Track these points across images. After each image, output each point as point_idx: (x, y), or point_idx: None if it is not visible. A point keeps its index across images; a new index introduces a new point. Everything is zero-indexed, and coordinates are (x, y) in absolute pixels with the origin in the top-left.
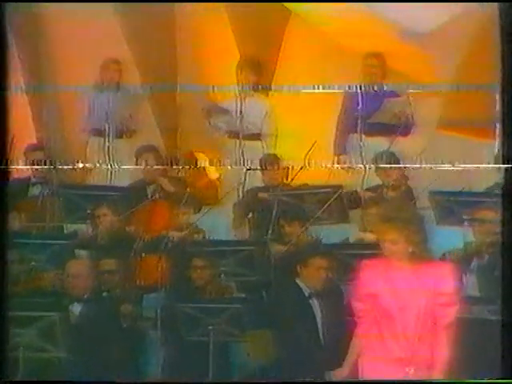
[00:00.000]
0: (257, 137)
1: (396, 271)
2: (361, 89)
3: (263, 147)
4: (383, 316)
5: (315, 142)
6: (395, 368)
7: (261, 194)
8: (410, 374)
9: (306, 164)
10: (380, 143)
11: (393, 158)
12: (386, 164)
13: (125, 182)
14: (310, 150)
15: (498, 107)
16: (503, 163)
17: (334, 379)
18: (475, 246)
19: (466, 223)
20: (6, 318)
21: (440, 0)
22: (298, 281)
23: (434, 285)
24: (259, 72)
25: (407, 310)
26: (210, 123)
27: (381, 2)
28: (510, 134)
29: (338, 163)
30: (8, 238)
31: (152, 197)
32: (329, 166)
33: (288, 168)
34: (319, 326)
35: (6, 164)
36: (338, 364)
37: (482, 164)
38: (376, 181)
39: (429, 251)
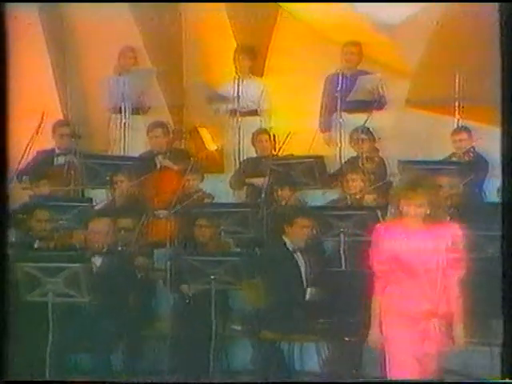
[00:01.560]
0: (255, 113)
1: (412, 232)
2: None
3: (261, 121)
4: (403, 273)
5: (290, 132)
6: (418, 321)
7: (254, 164)
8: (433, 325)
9: (289, 138)
10: (357, 119)
11: (368, 132)
12: (360, 137)
13: (138, 152)
14: (287, 136)
15: (456, 88)
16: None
17: (368, 342)
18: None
19: None
20: (5, 318)
21: (440, 0)
22: (284, 237)
23: (446, 243)
24: (253, 57)
25: (425, 266)
26: (211, 104)
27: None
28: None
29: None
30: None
31: (160, 166)
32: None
33: (275, 141)
34: (303, 275)
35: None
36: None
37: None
38: (352, 153)
39: (440, 213)
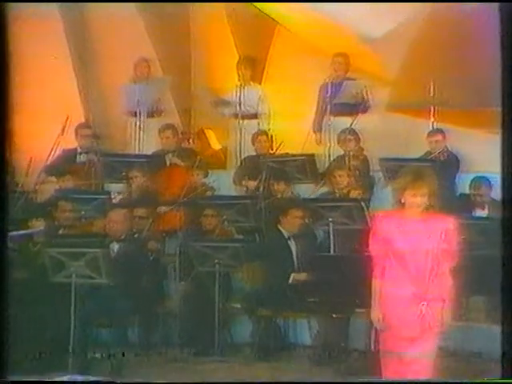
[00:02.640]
0: (254, 116)
1: (410, 222)
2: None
3: (259, 124)
4: (399, 259)
5: (282, 142)
6: (410, 304)
7: (254, 161)
8: (423, 308)
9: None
10: (344, 122)
11: (354, 133)
12: (347, 138)
13: (150, 151)
14: (280, 144)
15: (431, 94)
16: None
17: (372, 321)
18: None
19: None
20: (5, 319)
21: (441, 0)
22: (279, 226)
23: (439, 234)
24: (253, 67)
25: (418, 254)
26: (216, 109)
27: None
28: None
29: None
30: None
31: (170, 163)
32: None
33: (272, 141)
34: (294, 259)
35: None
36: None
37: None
38: (339, 151)
39: (437, 205)
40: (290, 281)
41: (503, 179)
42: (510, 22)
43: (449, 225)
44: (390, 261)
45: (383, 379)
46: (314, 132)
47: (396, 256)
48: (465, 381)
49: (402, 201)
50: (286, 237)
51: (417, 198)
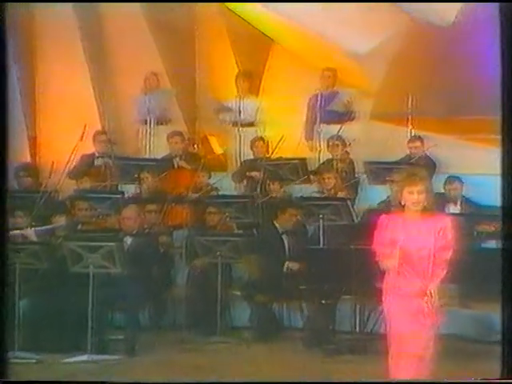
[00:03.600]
0: (252, 124)
1: (411, 221)
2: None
3: (257, 131)
4: (404, 257)
5: (282, 136)
6: (412, 298)
7: (252, 164)
8: (425, 302)
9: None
10: (333, 129)
11: (341, 139)
12: (334, 143)
13: (160, 155)
14: (278, 142)
15: (409, 105)
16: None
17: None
18: (392, 197)
19: (388, 183)
20: (5, 319)
21: (439, 0)
22: (275, 222)
23: (437, 232)
24: (252, 80)
25: (420, 252)
26: (217, 116)
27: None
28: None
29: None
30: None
31: (177, 166)
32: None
33: (268, 146)
34: (286, 251)
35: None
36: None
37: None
38: (328, 155)
39: (434, 205)
40: (283, 270)
41: (503, 182)
42: (510, 21)
43: (446, 223)
44: (396, 259)
45: (383, 380)
46: (306, 138)
47: (401, 254)
48: (465, 381)
49: (402, 203)
50: (281, 232)
51: (414, 196)
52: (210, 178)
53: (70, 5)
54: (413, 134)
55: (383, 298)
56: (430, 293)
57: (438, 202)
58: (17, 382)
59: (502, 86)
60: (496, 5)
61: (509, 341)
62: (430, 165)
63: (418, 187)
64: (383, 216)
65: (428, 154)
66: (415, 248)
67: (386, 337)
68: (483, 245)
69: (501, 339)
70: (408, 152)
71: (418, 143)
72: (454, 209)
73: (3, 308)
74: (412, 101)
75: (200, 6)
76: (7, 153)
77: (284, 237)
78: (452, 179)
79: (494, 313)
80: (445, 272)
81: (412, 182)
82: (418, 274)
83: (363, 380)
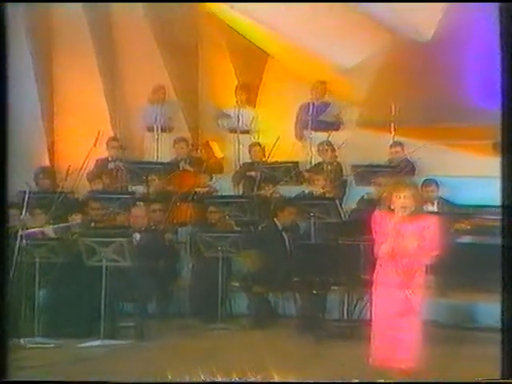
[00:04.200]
0: (249, 131)
1: (398, 221)
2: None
3: (254, 137)
4: (390, 253)
5: (278, 137)
6: (399, 291)
7: (249, 167)
8: (409, 294)
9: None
10: (323, 136)
11: (330, 144)
12: (324, 148)
13: (166, 159)
14: (273, 147)
15: (392, 114)
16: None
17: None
18: (375, 196)
19: (373, 184)
20: (4, 319)
21: (439, 0)
22: (275, 220)
23: (422, 231)
24: (249, 92)
25: (406, 248)
26: (218, 124)
27: None
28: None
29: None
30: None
31: (182, 168)
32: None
33: (264, 151)
34: (287, 246)
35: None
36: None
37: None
38: (318, 159)
39: (421, 208)
40: (279, 264)
41: (503, 182)
42: (510, 22)
43: (429, 224)
44: (385, 253)
45: (383, 380)
46: (297, 138)
47: (389, 250)
48: (465, 381)
49: (392, 207)
50: (281, 228)
51: (401, 200)
52: (211, 180)
53: (85, 19)
54: (394, 140)
55: (372, 290)
56: (414, 286)
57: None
58: (17, 382)
59: (502, 86)
60: (469, 18)
61: (509, 341)
62: (410, 168)
63: (405, 193)
64: (376, 214)
65: (408, 158)
66: (402, 245)
67: (372, 324)
68: (459, 240)
69: (501, 339)
70: (390, 156)
71: (398, 148)
72: (432, 208)
73: (3, 310)
74: (394, 110)
75: (202, 24)
76: (7, 153)
77: (283, 233)
78: (429, 182)
79: (469, 301)
80: (427, 267)
81: (400, 188)
82: (403, 268)
83: (361, 380)
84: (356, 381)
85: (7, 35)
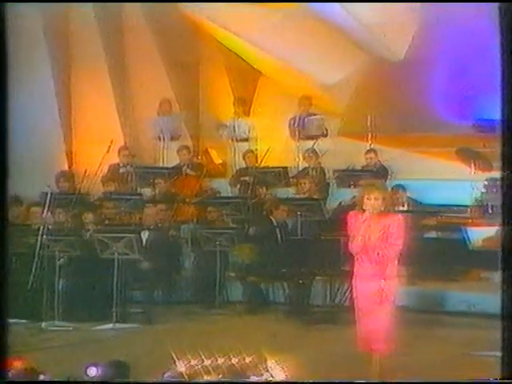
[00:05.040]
0: (245, 140)
1: (369, 220)
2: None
3: (249, 145)
4: (363, 247)
5: (269, 148)
6: (373, 281)
7: (244, 171)
8: (382, 285)
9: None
10: (308, 144)
11: (315, 152)
12: (309, 155)
13: (171, 164)
14: (265, 154)
15: (368, 124)
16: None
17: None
18: (356, 197)
19: (351, 186)
20: (4, 320)
21: (441, 0)
22: (271, 217)
23: (389, 227)
24: (244, 105)
25: (375, 243)
26: (218, 134)
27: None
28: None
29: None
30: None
31: (185, 173)
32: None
33: (257, 157)
34: (279, 240)
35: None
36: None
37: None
38: (305, 165)
39: (389, 206)
40: (270, 257)
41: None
42: (510, 22)
43: (394, 221)
44: (359, 248)
45: (383, 380)
46: (286, 151)
47: (362, 245)
48: (465, 381)
49: (363, 207)
50: (275, 224)
51: (371, 201)
52: (211, 182)
53: (101, 44)
54: (368, 148)
55: (352, 281)
56: (387, 276)
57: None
58: (17, 382)
59: (502, 87)
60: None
61: (508, 341)
62: (383, 172)
63: (375, 195)
64: (351, 213)
65: (382, 163)
66: (371, 240)
67: (352, 310)
68: (427, 235)
69: (501, 339)
70: (366, 162)
71: (372, 154)
72: (403, 208)
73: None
74: (370, 121)
75: (203, 46)
76: (7, 153)
77: (277, 229)
78: (399, 185)
79: (435, 289)
80: (396, 259)
81: (370, 191)
82: (376, 260)
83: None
84: (358, 381)
85: (7, 35)
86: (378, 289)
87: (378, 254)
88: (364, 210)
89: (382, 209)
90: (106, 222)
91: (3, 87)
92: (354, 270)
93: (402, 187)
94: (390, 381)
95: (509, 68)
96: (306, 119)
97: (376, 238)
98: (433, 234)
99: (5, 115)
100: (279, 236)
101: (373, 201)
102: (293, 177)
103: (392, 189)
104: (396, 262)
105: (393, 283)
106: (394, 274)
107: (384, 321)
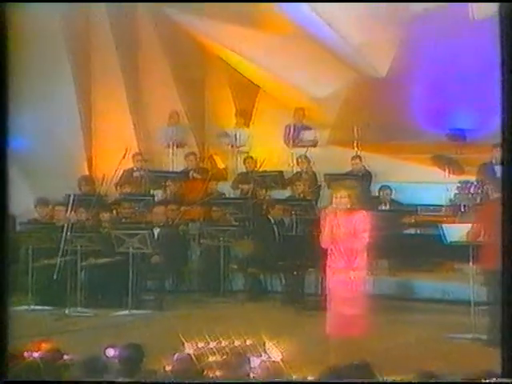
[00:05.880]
0: (245, 147)
1: (339, 216)
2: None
3: (248, 152)
4: (334, 243)
5: (264, 159)
6: (343, 273)
7: (245, 175)
8: (352, 276)
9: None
10: (301, 151)
11: (307, 158)
12: (302, 161)
13: (179, 169)
14: (263, 160)
15: (355, 134)
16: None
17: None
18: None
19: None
20: (4, 319)
21: (439, 0)
22: (269, 216)
23: (356, 222)
24: (245, 116)
25: (345, 239)
26: (221, 142)
27: None
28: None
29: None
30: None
31: (192, 177)
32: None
33: (256, 163)
34: (276, 236)
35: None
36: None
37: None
38: (298, 169)
39: (356, 204)
40: (269, 250)
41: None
42: (510, 22)
43: (360, 216)
44: (328, 242)
45: (383, 380)
46: (282, 157)
47: (333, 239)
48: (465, 381)
49: (334, 205)
50: (273, 222)
51: (339, 199)
52: (215, 185)
53: (118, 62)
54: (353, 154)
55: (326, 273)
56: (355, 267)
57: (373, 203)
58: (17, 382)
59: (502, 88)
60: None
61: (509, 341)
62: (368, 176)
63: (341, 193)
64: (322, 210)
65: (367, 168)
66: (341, 235)
67: (327, 301)
68: (406, 231)
69: (501, 339)
70: (352, 167)
71: (357, 160)
72: (385, 207)
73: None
74: (357, 131)
75: (209, 63)
76: (7, 153)
77: (275, 226)
78: (384, 187)
79: (413, 278)
80: (364, 251)
81: (337, 190)
82: (346, 253)
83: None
84: (357, 380)
85: (7, 35)
86: (348, 279)
87: (346, 246)
88: (334, 207)
89: (349, 206)
90: (123, 220)
91: (3, 87)
92: (327, 262)
93: (388, 188)
94: (389, 381)
95: (509, 68)
96: (299, 129)
97: (343, 232)
98: (412, 231)
99: (5, 116)
100: (276, 232)
101: (339, 199)
102: (288, 180)
103: (380, 189)
104: (365, 254)
105: (362, 274)
106: (363, 265)
107: (355, 308)
